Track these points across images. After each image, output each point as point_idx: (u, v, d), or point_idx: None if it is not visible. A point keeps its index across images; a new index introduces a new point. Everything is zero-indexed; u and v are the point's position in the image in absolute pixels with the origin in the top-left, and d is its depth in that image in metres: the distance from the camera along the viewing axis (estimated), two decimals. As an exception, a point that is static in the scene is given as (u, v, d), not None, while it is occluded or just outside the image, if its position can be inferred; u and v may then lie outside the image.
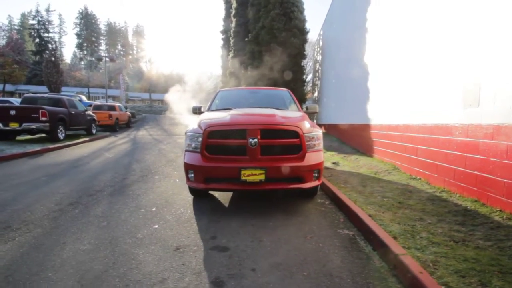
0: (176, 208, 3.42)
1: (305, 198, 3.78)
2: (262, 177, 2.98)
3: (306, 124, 3.30)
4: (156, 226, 2.85)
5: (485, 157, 2.98)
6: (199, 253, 2.26)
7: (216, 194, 3.95)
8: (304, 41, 15.13)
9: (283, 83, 14.71)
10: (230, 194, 3.95)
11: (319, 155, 3.27)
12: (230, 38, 17.83)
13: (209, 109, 4.41)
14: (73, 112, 9.93)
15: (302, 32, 14.84)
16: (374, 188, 4.07)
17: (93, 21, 63.31)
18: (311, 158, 3.17)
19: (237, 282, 1.87)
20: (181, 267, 2.05)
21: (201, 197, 3.78)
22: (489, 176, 2.93)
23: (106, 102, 19.85)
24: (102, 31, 66.02)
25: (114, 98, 38.37)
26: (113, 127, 14.57)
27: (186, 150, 3.36)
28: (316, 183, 3.21)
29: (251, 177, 2.98)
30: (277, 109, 4.00)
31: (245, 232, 2.69)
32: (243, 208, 3.42)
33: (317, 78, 16.70)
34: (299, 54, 15.24)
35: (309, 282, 1.87)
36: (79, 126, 10.69)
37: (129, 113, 17.90)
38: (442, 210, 3.02)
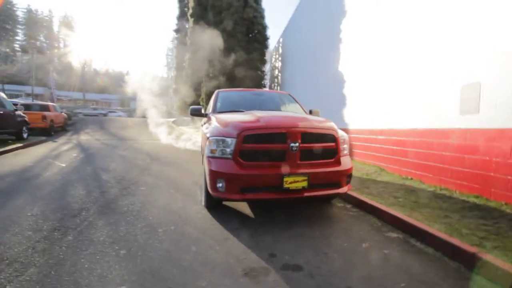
0: (198, 223, 2.96)
1: (321, 204, 3.72)
2: (305, 183, 2.80)
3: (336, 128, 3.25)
4: (194, 248, 2.40)
5: (487, 158, 3.40)
6: (277, 277, 1.96)
7: (230, 204, 3.58)
8: (266, 46, 15.40)
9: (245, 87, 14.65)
10: (242, 203, 3.63)
11: (349, 159, 3.25)
12: (187, 38, 16.99)
13: (215, 111, 4.01)
14: (1, 112, 7.97)
15: (264, 38, 15.09)
16: (378, 189, 4.27)
17: (8, 6, 52.98)
18: (345, 162, 3.13)
19: (342, 304, 1.67)
20: None
21: (214, 209, 3.37)
22: (492, 174, 3.34)
23: (33, 101, 16.66)
24: (20, 19, 55.75)
25: (37, 96, 32.56)
26: (48, 131, 12.26)
27: (210, 157, 2.95)
28: (348, 187, 3.17)
29: (293, 184, 2.77)
30: (293, 112, 3.88)
31: (300, 246, 2.46)
32: (272, 217, 3.16)
33: (276, 84, 17.12)
34: (261, 60, 15.45)
35: (410, 293, 1.79)
36: (7, 129, 8.64)
37: (65, 115, 15.36)
38: (457, 206, 3.32)
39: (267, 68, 16.84)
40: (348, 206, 3.69)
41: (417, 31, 4.78)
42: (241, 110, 4.04)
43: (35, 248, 2.34)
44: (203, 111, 4.28)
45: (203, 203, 3.50)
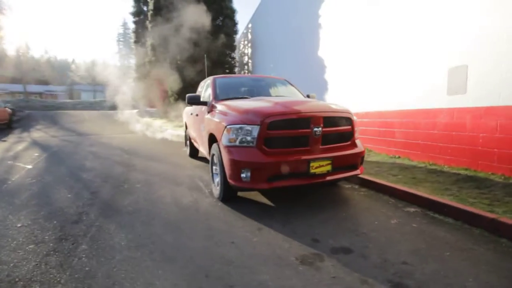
0: (221, 216, 2.82)
1: (330, 187, 3.81)
2: (329, 167, 2.82)
3: (348, 111, 3.30)
4: (232, 241, 2.28)
5: (475, 134, 3.77)
6: (333, 261, 1.95)
7: (240, 194, 3.46)
8: (235, 32, 14.96)
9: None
10: (251, 193, 3.55)
11: (360, 141, 3.34)
12: (148, 22, 15.70)
13: (217, 99, 3.78)
14: None
15: (233, 23, 14.60)
16: (374, 169, 4.50)
17: None
18: (359, 144, 3.21)
19: (417, 280, 1.73)
20: (343, 281, 1.72)
21: (230, 201, 3.24)
22: (479, 148, 3.72)
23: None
24: None
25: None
26: (-10, 129, 10.58)
27: (229, 146, 2.80)
28: (361, 169, 3.27)
29: (319, 168, 2.77)
30: (297, 97, 3.84)
31: (336, 228, 2.49)
32: (292, 205, 3.13)
33: (246, 71, 16.86)
34: (230, 46, 15.00)
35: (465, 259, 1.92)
36: None
37: (9, 110, 13.36)
38: (451, 179, 3.65)
39: (236, 54, 16.43)
40: (356, 186, 3.83)
41: (403, 14, 5.01)
42: (245, 96, 3.89)
43: (49, 263, 2.00)
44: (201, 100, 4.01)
45: (215, 195, 3.34)
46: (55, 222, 2.74)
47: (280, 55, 10.71)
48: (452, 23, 4.09)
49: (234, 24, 14.70)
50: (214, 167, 3.50)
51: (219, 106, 3.40)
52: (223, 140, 2.89)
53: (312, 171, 2.73)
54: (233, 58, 15.34)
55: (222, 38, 13.67)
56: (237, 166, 2.70)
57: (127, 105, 21.96)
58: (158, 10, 14.08)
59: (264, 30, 12.82)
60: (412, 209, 2.91)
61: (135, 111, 22.17)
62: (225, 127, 2.84)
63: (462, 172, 3.87)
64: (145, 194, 3.64)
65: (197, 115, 4.53)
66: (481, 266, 1.87)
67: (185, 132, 6.82)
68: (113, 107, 27.26)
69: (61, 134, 11.55)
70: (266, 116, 2.70)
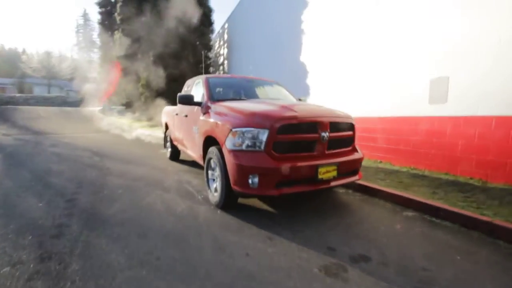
0: (224, 225, 2.64)
1: (326, 193, 3.82)
2: (335, 173, 2.81)
3: (348, 116, 3.33)
4: (247, 253, 2.13)
5: (454, 141, 4.06)
6: (356, 271, 1.91)
7: (242, 201, 3.31)
8: (211, 31, 14.65)
9: (192, 74, 13.74)
10: (249, 199, 3.41)
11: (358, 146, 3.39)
12: (117, 15, 14.68)
13: (212, 99, 3.58)
14: None
15: (209, 22, 14.29)
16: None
17: None
18: (359, 150, 3.26)
19: (443, 286, 1.75)
20: None
21: (229, 208, 3.07)
22: (459, 154, 4.02)
23: None
24: None
25: None
26: None
27: (235, 150, 2.65)
28: (360, 174, 3.32)
29: (326, 174, 2.74)
30: (289, 100, 3.80)
31: (346, 235, 2.47)
32: (293, 212, 3.07)
33: (221, 72, 16.59)
34: (206, 45, 14.65)
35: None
36: None
37: None
38: (435, 183, 3.88)
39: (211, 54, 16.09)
40: (350, 191, 3.89)
41: (388, 26, 5.26)
42: (242, 98, 3.76)
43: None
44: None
45: (213, 202, 3.14)
46: (30, 237, 2.34)
47: (260, 58, 10.69)
48: (436, 37, 4.38)
49: (211, 23, 14.41)
50: (210, 172, 3.31)
51: (218, 108, 3.22)
52: (228, 144, 2.72)
53: (320, 176, 2.69)
54: (209, 58, 15.00)
55: (198, 36, 13.29)
56: (244, 171, 2.56)
57: (89, 102, 20.31)
58: (128, 1, 13.23)
59: (242, 32, 12.74)
60: (410, 213, 3.02)
61: (99, 108, 20.58)
62: (231, 130, 2.68)
63: (443, 176, 4.15)
64: (131, 201, 3.31)
65: (186, 115, 4.27)
66: (492, 267, 1.97)
67: (165, 133, 6.44)
68: (73, 103, 25.07)
69: (15, 133, 10.25)
70: (276, 120, 2.60)
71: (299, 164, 2.62)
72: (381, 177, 4.31)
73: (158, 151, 7.44)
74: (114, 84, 15.84)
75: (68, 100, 25.71)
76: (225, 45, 15.63)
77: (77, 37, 47.02)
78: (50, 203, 3.17)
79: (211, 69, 15.68)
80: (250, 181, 2.55)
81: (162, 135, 7.07)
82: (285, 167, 2.54)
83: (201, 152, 3.60)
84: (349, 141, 3.12)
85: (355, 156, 3.09)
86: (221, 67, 16.61)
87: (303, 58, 7.81)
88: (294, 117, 2.68)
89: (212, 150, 3.09)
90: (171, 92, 13.68)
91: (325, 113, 2.89)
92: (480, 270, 1.95)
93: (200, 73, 15.28)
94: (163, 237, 2.40)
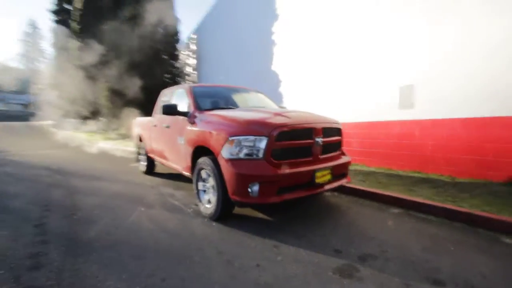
0: (225, 237, 2.54)
1: (316, 195, 3.90)
2: (330, 176, 2.89)
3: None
4: (257, 265, 2.06)
5: (423, 142, 4.45)
6: (368, 270, 1.95)
7: (235, 211, 3.22)
8: (177, 41, 14.37)
9: (161, 86, 13.31)
10: (245, 209, 3.35)
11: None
12: (76, 25, 13.66)
13: (199, 109, 3.47)
14: None
15: (176, 32, 14.01)
16: (342, 176, 4.85)
17: None
18: (346, 154, 3.40)
19: (448, 274, 1.86)
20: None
21: (224, 219, 2.96)
22: (428, 154, 4.40)
23: None
24: None
25: None
26: None
27: (233, 159, 2.59)
28: (348, 178, 3.44)
29: (322, 178, 2.80)
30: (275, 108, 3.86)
31: (347, 236, 2.53)
32: (289, 217, 3.07)
33: (188, 82, 16.28)
34: (174, 56, 14.33)
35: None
36: None
37: None
38: (410, 181, 4.19)
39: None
40: (335, 193, 4.02)
41: (360, 37, 5.66)
42: (229, 107, 3.72)
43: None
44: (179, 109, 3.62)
45: (206, 214, 3.00)
46: (2, 271, 1.99)
47: (231, 68, 10.73)
48: (404, 49, 4.83)
49: (177, 33, 14.14)
50: (201, 183, 3.17)
51: (208, 117, 3.13)
52: (224, 153, 2.65)
53: (317, 181, 2.74)
54: (177, 68, 14.65)
55: (164, 46, 12.94)
56: (244, 180, 2.50)
57: (41, 115, 18.44)
58: (88, 9, 12.46)
59: (212, 42, 12.71)
60: (396, 211, 3.21)
61: (51, 122, 18.72)
62: (228, 138, 2.62)
63: (416, 175, 4.51)
64: (113, 221, 3.02)
65: (167, 126, 4.08)
66: (483, 254, 2.17)
67: (137, 146, 6.07)
68: (20, 117, 22.58)
69: None
70: (274, 127, 2.60)
71: (298, 169, 2.65)
72: (361, 179, 4.54)
73: (128, 165, 6.98)
74: (69, 95, 14.60)
75: (12, 113, 22.99)
76: (194, 55, 15.44)
77: (25, 46, 42.59)
78: (16, 230, 2.75)
79: (179, 79, 15.32)
80: (250, 189, 2.50)
81: (128, 148, 6.67)
82: (285, 173, 2.55)
83: (188, 163, 3.45)
84: (338, 146, 3.25)
85: (344, 159, 3.22)
86: (186, 77, 16.31)
87: (275, 67, 8.02)
88: (291, 124, 2.71)
89: (204, 160, 2.98)
90: (137, 103, 13.05)
91: (318, 119, 2.98)
92: (473, 256, 2.13)
93: (166, 84, 14.85)
94: (162, 256, 2.22)
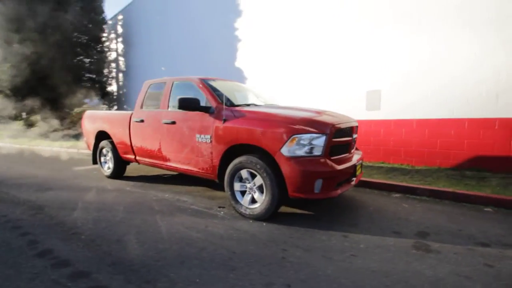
0: (296, 235, 2.55)
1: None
2: (360, 170, 3.24)
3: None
4: (352, 253, 2.20)
5: (387, 138, 5.41)
6: (432, 243, 2.38)
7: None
8: (103, 22, 12.27)
9: (73, 70, 11.12)
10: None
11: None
12: None
13: (227, 104, 3.23)
14: None
15: (101, 10, 11.91)
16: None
17: None
18: (358, 149, 3.85)
19: (477, 237, 2.46)
20: (460, 250, 2.15)
21: (271, 219, 2.93)
22: (391, 148, 5.38)
23: None
24: None
25: None
26: None
27: (295, 157, 2.62)
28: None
29: (357, 172, 3.13)
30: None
31: (386, 220, 2.93)
32: (323, 208, 3.28)
33: (113, 69, 14.16)
34: (96, 39, 12.19)
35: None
36: None
37: None
38: (382, 170, 5.04)
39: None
40: (335, 185, 4.46)
41: (330, 43, 6.27)
42: (248, 103, 3.64)
43: None
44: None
45: (250, 215, 2.90)
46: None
47: (182, 59, 9.92)
48: (371, 57, 5.67)
49: (102, 11, 12.06)
50: (238, 184, 3.02)
51: (248, 114, 2.99)
52: (284, 151, 2.63)
53: (356, 174, 3.05)
54: (101, 53, 12.52)
55: (94, 28, 10.85)
56: (311, 177, 2.57)
57: None
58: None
59: (149, 26, 11.42)
60: (397, 195, 3.87)
61: None
62: (290, 137, 2.61)
63: (383, 165, 5.45)
64: (146, 236, 2.57)
65: (172, 122, 3.61)
66: (480, 220, 2.93)
67: (95, 146, 5.05)
68: None
69: None
70: (330, 125, 2.75)
71: (347, 164, 2.90)
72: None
73: (72, 169, 5.77)
74: None
75: None
76: (120, 39, 13.49)
77: None
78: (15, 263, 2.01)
79: (103, 68, 13.14)
80: (316, 185, 2.60)
81: (36, 147, 5.45)
82: (342, 169, 2.76)
83: (214, 163, 3.20)
84: (355, 142, 3.67)
85: (361, 154, 3.66)
86: (112, 64, 14.17)
87: (239, 64, 7.98)
88: (340, 123, 2.92)
89: (248, 159, 2.86)
90: (45, 91, 10.54)
91: (351, 119, 3.29)
92: (478, 222, 2.86)
93: (83, 70, 12.61)
94: (254, 262, 2.08)
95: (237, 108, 3.18)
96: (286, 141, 2.64)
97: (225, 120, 3.10)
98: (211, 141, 3.21)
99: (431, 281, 1.85)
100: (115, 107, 14.44)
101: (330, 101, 6.18)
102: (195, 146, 3.39)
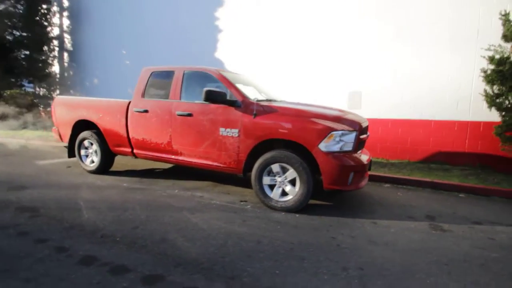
0: (335, 223, 2.75)
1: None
2: (370, 164, 3.62)
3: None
4: (390, 238, 2.50)
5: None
6: (444, 224, 2.86)
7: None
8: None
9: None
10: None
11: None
12: None
13: (252, 99, 3.21)
14: None
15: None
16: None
17: None
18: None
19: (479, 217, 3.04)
20: (471, 229, 2.66)
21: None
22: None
23: None
24: None
25: None
26: None
27: (332, 152, 2.82)
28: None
29: (370, 167, 3.49)
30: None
31: (394, 206, 3.37)
32: (338, 201, 3.57)
33: (53, 47, 12.20)
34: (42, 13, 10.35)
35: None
36: None
37: None
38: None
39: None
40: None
41: (316, 44, 6.58)
42: (269, 99, 3.68)
43: None
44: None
45: (283, 208, 3.00)
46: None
47: (156, 46, 9.05)
48: (353, 61, 6.18)
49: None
50: (267, 178, 3.08)
51: (282, 110, 3.04)
52: (322, 146, 2.79)
53: (370, 168, 3.41)
54: (44, 27, 10.68)
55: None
56: (346, 170, 2.80)
57: None
58: None
59: (113, 5, 10.13)
60: (387, 185, 4.42)
61: None
62: (328, 133, 2.78)
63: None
64: (194, 236, 2.47)
65: (188, 114, 3.42)
66: (462, 204, 3.59)
67: (72, 137, 4.44)
68: None
69: None
70: (359, 123, 3.03)
71: (368, 159, 3.22)
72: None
73: (36, 163, 4.98)
74: None
75: None
76: (66, 14, 11.66)
77: None
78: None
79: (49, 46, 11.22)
80: (349, 179, 2.84)
81: None
82: (367, 163, 3.07)
83: (241, 158, 3.19)
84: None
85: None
86: (54, 42, 12.21)
87: (219, 55, 7.77)
88: (363, 121, 3.22)
89: (282, 153, 2.95)
90: None
91: (365, 119, 3.61)
92: (464, 206, 3.51)
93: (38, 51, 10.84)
94: (310, 253, 2.22)
95: (267, 104, 3.21)
96: (325, 137, 2.81)
97: (255, 115, 3.10)
98: (238, 135, 3.17)
99: (462, 254, 2.27)
100: (57, 92, 12.52)
101: (316, 98, 6.55)
102: (217, 140, 3.30)
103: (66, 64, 12.22)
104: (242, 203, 3.30)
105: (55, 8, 11.95)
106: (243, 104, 3.20)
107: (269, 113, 3.08)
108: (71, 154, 4.52)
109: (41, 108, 11.88)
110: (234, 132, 3.20)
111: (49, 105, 12.74)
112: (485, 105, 4.67)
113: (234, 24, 7.56)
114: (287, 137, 2.96)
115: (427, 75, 5.46)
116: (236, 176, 4.31)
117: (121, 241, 2.28)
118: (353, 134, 2.93)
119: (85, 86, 11.44)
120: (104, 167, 4.34)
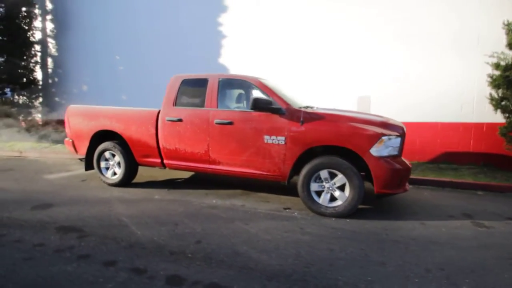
0: (390, 227, 2.82)
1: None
2: (407, 167, 3.77)
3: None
4: (445, 239, 2.62)
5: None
6: (484, 221, 3.04)
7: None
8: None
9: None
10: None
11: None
12: None
13: (295, 106, 3.23)
14: None
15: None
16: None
17: None
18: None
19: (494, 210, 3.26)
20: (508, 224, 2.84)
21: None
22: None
23: None
24: None
25: None
26: None
27: (384, 156, 2.91)
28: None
29: (404, 168, 3.64)
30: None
31: (430, 208, 3.53)
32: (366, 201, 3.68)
33: (36, 52, 11.47)
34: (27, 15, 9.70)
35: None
36: None
37: None
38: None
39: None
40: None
41: (325, 51, 6.74)
42: (309, 106, 3.72)
43: None
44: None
45: (332, 213, 3.03)
46: None
47: (149, 52, 8.78)
48: (362, 67, 6.40)
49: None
50: (315, 184, 3.11)
51: (329, 117, 3.09)
52: (373, 151, 2.87)
53: (408, 171, 3.56)
54: (25, 31, 10.00)
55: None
56: (398, 174, 2.90)
57: None
58: None
59: (92, 6, 9.73)
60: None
61: None
62: (379, 138, 2.87)
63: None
64: (252, 252, 2.42)
65: (229, 123, 3.37)
66: (481, 200, 3.83)
67: (89, 148, 4.20)
68: None
69: None
70: (403, 128, 3.16)
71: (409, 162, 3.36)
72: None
73: (43, 177, 4.68)
74: None
75: None
76: (50, 17, 11.03)
77: None
78: None
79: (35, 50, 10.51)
80: (399, 182, 2.95)
81: None
82: (411, 166, 3.20)
83: (287, 166, 3.19)
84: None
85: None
86: (36, 47, 11.49)
87: (223, 61, 7.71)
88: (403, 127, 3.35)
89: (332, 160, 2.99)
90: None
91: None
92: (488, 203, 3.74)
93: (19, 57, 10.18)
94: (386, 258, 2.27)
95: (313, 111, 3.25)
96: (376, 142, 2.90)
97: (303, 122, 3.12)
98: (285, 143, 3.17)
99: (519, 249, 2.43)
100: (40, 99, 11.76)
101: (325, 103, 6.70)
102: (261, 148, 3.28)
103: (50, 70, 11.53)
104: (287, 210, 3.30)
105: (37, 11, 11.26)
106: (288, 112, 3.22)
107: (317, 120, 3.11)
108: (88, 166, 4.26)
109: (20, 118, 11.12)
110: (280, 139, 3.19)
111: (29, 114, 11.94)
112: (487, 107, 5.04)
113: (238, 29, 7.56)
114: (337, 143, 3.01)
115: (432, 80, 5.80)
116: (266, 183, 4.28)
117: (194, 257, 2.19)
118: (399, 139, 3.05)
119: (72, 93, 10.82)
120: (128, 179, 4.13)
